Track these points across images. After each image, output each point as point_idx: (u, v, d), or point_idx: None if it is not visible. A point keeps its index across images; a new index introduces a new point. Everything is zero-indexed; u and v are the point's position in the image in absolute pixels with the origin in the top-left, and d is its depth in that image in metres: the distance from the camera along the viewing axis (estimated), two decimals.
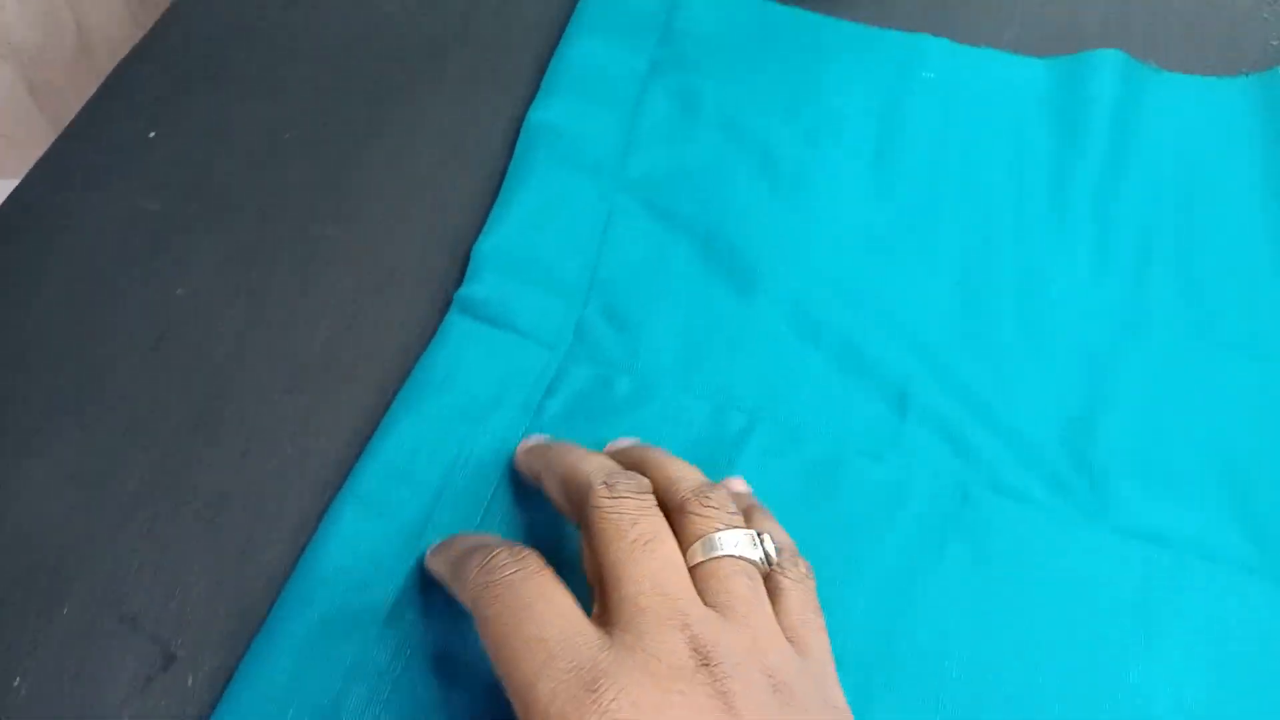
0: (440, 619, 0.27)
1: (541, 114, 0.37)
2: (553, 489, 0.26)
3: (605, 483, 0.24)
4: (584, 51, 0.39)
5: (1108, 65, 0.41)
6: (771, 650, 0.22)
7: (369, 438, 0.30)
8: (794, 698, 0.21)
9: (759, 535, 0.24)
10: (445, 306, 0.33)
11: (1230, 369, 0.34)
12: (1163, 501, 0.31)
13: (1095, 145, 0.39)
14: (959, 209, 0.38)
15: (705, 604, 0.22)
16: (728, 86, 0.39)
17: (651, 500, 0.24)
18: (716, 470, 0.29)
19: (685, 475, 0.25)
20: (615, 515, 0.23)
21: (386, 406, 0.30)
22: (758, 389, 0.32)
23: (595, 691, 0.20)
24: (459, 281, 0.33)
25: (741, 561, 0.23)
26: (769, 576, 0.24)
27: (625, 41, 0.40)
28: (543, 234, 0.34)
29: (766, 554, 0.24)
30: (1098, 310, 0.35)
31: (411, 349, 0.32)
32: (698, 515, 0.24)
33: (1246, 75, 0.42)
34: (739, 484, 0.29)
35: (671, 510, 0.24)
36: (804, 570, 0.25)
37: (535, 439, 0.30)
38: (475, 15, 0.40)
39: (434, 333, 0.32)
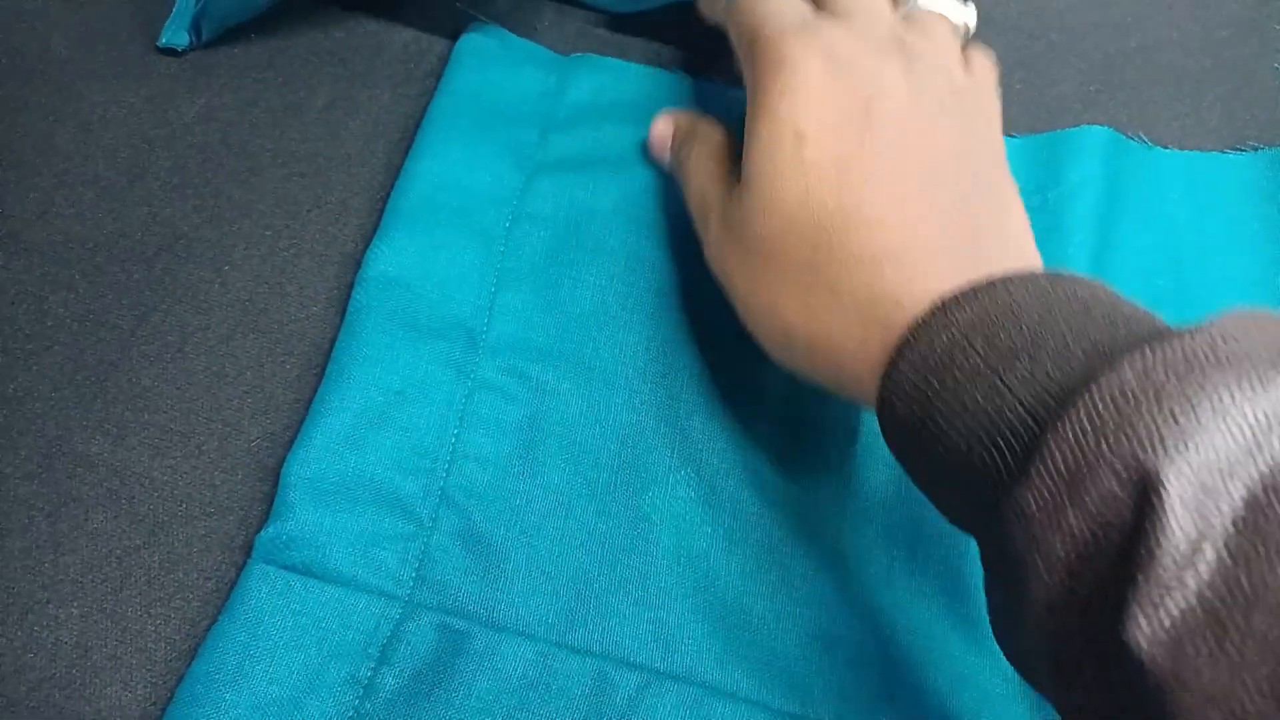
0: None
1: (382, 264, 0.29)
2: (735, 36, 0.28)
3: None
4: (441, 166, 0.31)
5: (1092, 146, 0.34)
6: (957, 74, 0.26)
7: None
8: (964, 103, 0.25)
9: (965, 5, 0.28)
10: (246, 553, 0.25)
11: None
12: None
13: (1078, 251, 0.32)
14: None
15: None
16: (625, 198, 0.32)
17: None
18: None
19: None
20: None
21: (162, 708, 0.23)
22: (654, 640, 0.26)
23: (811, 28, 0.25)
24: (265, 517, 0.26)
25: (944, 20, 0.27)
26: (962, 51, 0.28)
27: (496, 145, 0.32)
28: (376, 438, 0.27)
29: (967, 24, 0.28)
30: None
31: (200, 618, 0.25)
32: None
33: (1258, 150, 0.35)
34: None
35: None
36: (993, 59, 0.28)
37: None
38: (294, 123, 0.31)
39: (229, 593, 0.25)
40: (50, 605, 0.24)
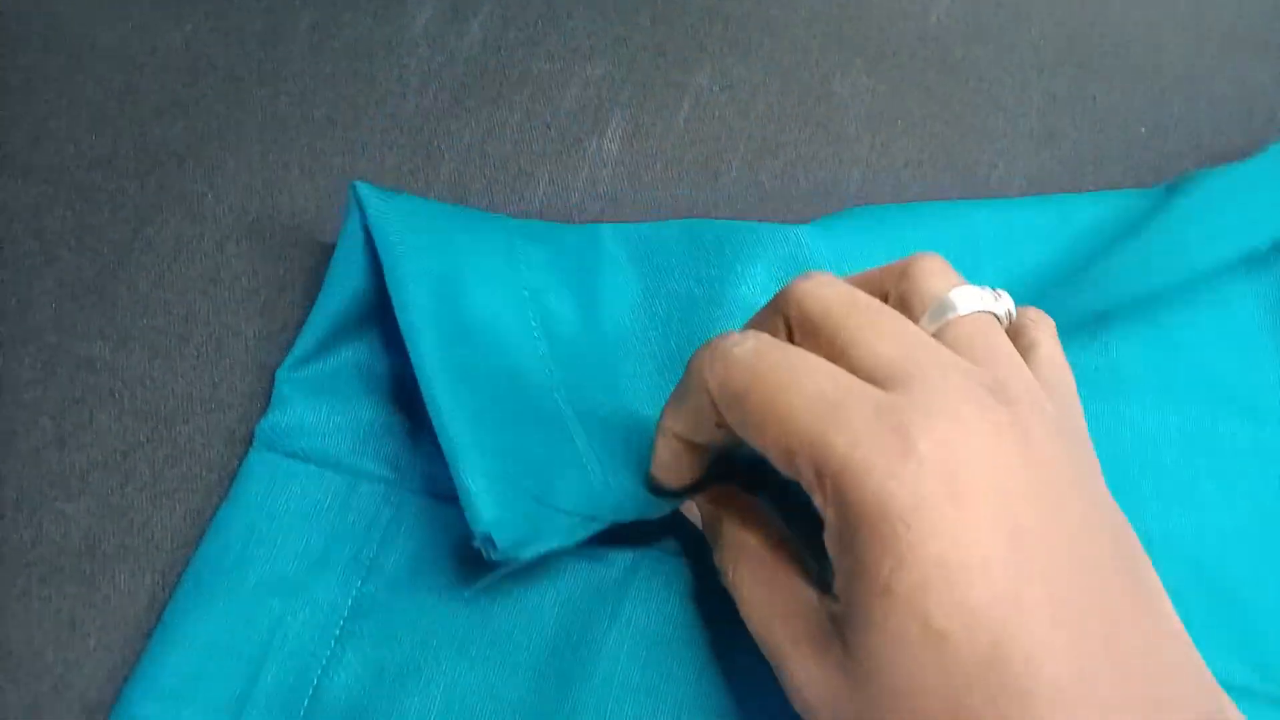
0: None
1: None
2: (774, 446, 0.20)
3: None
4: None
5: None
6: (1039, 397, 0.20)
7: (149, 634, 0.23)
8: (1074, 441, 0.20)
9: (995, 291, 0.22)
10: (248, 446, 0.26)
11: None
12: None
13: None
14: None
15: None
16: None
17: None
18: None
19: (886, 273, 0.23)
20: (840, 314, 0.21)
21: (170, 592, 0.24)
22: (656, 527, 0.26)
23: (900, 432, 0.18)
24: (265, 412, 0.26)
25: (985, 316, 0.21)
26: (1014, 333, 0.22)
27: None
28: (370, 331, 0.27)
29: (1009, 311, 0.22)
30: None
31: (205, 508, 0.25)
32: (922, 279, 0.22)
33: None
34: None
35: (896, 293, 0.22)
36: (1049, 326, 0.23)
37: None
38: (278, 46, 0.32)
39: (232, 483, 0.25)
40: (58, 501, 0.25)
